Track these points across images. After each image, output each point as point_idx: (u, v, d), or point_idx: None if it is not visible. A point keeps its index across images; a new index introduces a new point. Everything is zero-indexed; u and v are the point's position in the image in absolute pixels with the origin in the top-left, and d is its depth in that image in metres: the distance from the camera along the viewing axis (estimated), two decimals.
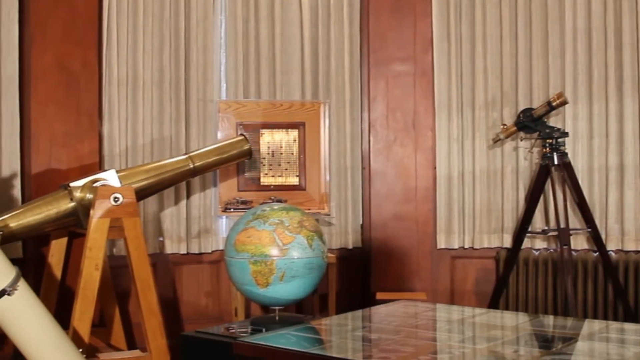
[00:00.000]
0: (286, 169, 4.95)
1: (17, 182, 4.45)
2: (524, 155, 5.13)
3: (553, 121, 5.02)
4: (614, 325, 2.97)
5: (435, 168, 5.20)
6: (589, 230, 4.89)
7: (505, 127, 5.00)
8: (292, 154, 4.96)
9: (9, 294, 2.97)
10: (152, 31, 4.88)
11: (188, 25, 4.96)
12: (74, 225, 4.11)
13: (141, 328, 4.00)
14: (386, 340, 2.65)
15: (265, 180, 4.93)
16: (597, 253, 4.93)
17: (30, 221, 3.91)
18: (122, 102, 4.82)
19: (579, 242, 5.04)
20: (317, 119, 4.99)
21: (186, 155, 4.47)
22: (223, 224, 5.05)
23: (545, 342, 2.65)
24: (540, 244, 5.12)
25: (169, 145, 4.90)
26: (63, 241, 4.33)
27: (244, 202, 4.82)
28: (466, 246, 5.20)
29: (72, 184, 4.00)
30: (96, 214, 3.82)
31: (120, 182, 4.03)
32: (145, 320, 3.92)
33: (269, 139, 4.95)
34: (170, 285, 4.97)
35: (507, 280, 5.06)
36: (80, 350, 3.35)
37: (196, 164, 4.44)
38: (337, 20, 5.19)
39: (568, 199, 4.90)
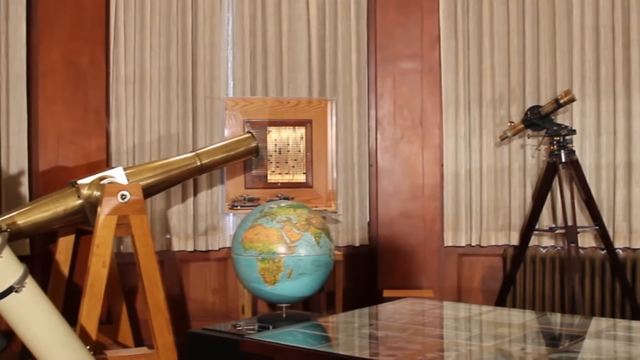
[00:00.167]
0: (293, 167, 4.95)
1: (25, 180, 4.47)
2: (531, 152, 5.11)
3: (560, 118, 5.01)
4: (621, 323, 2.96)
5: (442, 165, 5.20)
6: (597, 227, 4.87)
7: (512, 124, 4.99)
8: (299, 151, 4.96)
9: (16, 291, 2.98)
10: (159, 29, 4.88)
11: (195, 23, 4.97)
12: (81, 223, 4.12)
13: (148, 325, 4.00)
14: (393, 338, 2.65)
15: (272, 178, 4.93)
16: (605, 251, 4.92)
17: (37, 218, 3.91)
18: (130, 99, 4.82)
19: (587, 240, 5.03)
20: (324, 116, 4.98)
21: (193, 153, 4.47)
22: (230, 222, 5.05)
23: (552, 340, 2.65)
24: (547, 241, 5.10)
25: (176, 142, 4.90)
26: (70, 238, 4.34)
27: (251, 200, 4.82)
28: (473, 244, 5.20)
29: (79, 182, 4.00)
30: (103, 211, 3.82)
31: (128, 180, 4.04)
32: (152, 318, 3.92)
33: (276, 137, 4.94)
34: (177, 282, 4.98)
35: (514, 277, 5.05)
36: (88, 347, 3.35)
37: (203, 162, 4.43)
38: (344, 17, 5.19)
39: (575, 196, 4.89)
